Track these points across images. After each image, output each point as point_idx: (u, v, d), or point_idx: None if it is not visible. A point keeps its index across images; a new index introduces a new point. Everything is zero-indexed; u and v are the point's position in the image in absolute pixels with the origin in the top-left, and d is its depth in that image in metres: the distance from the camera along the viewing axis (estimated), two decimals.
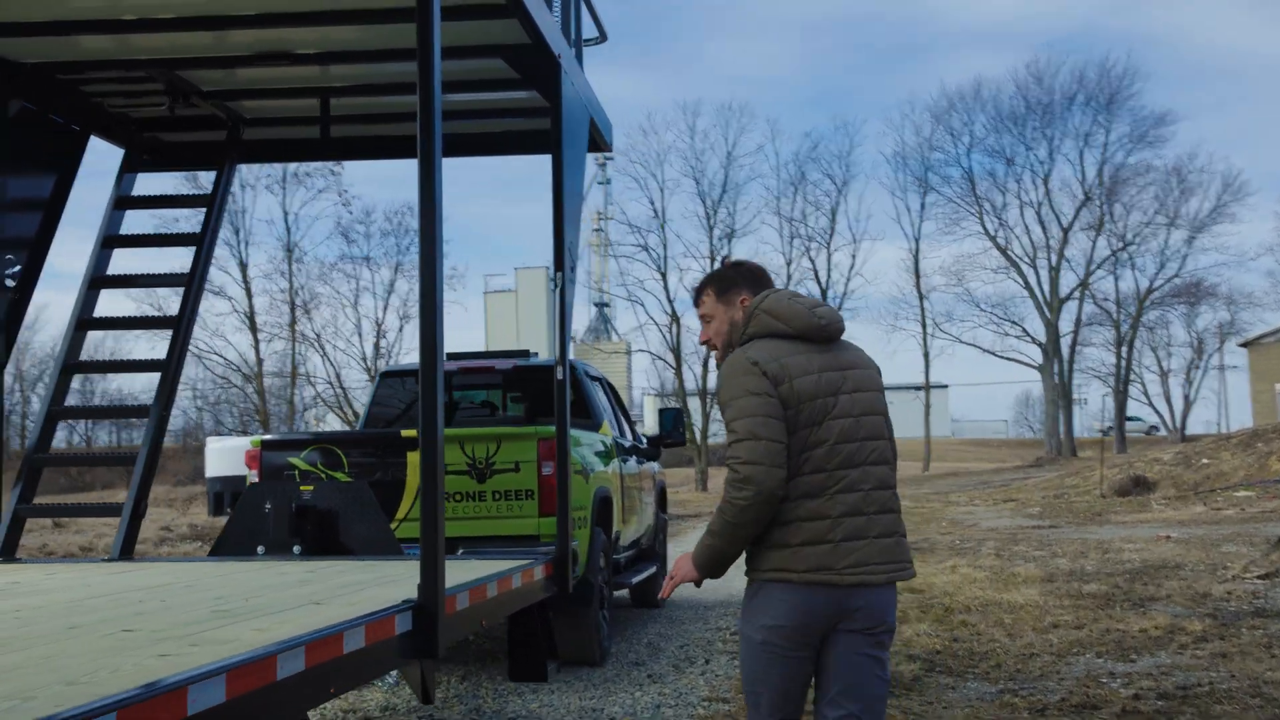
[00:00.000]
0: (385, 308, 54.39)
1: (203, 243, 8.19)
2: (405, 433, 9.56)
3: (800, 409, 4.05)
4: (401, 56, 7.44)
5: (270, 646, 3.69)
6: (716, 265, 4.77)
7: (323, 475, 9.50)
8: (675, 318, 55.19)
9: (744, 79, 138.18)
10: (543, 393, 11.84)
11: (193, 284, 8.05)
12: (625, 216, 60.51)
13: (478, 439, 9.43)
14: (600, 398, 12.07)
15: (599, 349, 76.83)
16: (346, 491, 7.69)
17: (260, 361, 50.89)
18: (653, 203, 59.31)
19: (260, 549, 7.46)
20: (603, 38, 9.14)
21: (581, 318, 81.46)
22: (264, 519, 7.47)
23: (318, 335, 52.59)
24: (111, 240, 8.34)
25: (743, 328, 4.24)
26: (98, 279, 8.19)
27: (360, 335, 53.97)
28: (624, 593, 14.23)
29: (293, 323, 50.43)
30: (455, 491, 9.36)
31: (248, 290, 50.01)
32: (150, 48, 7.44)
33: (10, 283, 7.53)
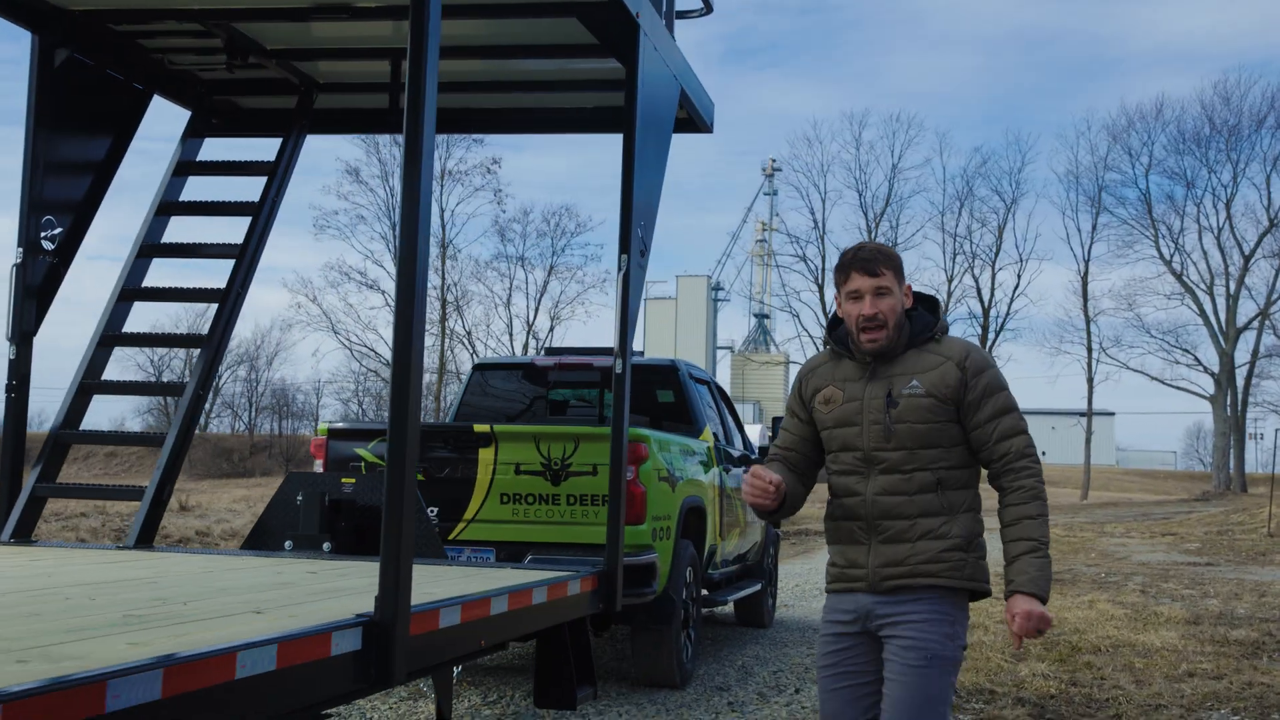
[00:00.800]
0: (537, 308, 54.31)
1: (259, 214, 7.63)
2: (477, 427, 8.93)
3: None
4: (471, 12, 6.79)
5: (100, 670, 2.88)
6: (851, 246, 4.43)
7: None
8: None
9: (919, 94, 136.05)
10: (646, 392, 11.18)
11: (244, 258, 7.49)
12: (785, 226, 59.47)
13: (554, 438, 8.74)
14: (704, 401, 11.29)
15: (755, 359, 75.89)
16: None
17: None
18: (813, 213, 58.38)
19: (288, 544, 6.87)
20: (707, 9, 8.39)
21: (741, 328, 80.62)
22: (295, 512, 6.88)
23: (468, 333, 52.68)
24: (167, 207, 7.83)
25: (942, 316, 4.32)
26: (148, 247, 7.69)
27: (511, 335, 53.96)
28: (729, 610, 13.53)
29: (443, 319, 50.50)
30: (528, 493, 8.69)
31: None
32: None
33: (49, 245, 7.05)
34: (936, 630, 4.11)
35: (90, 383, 7.23)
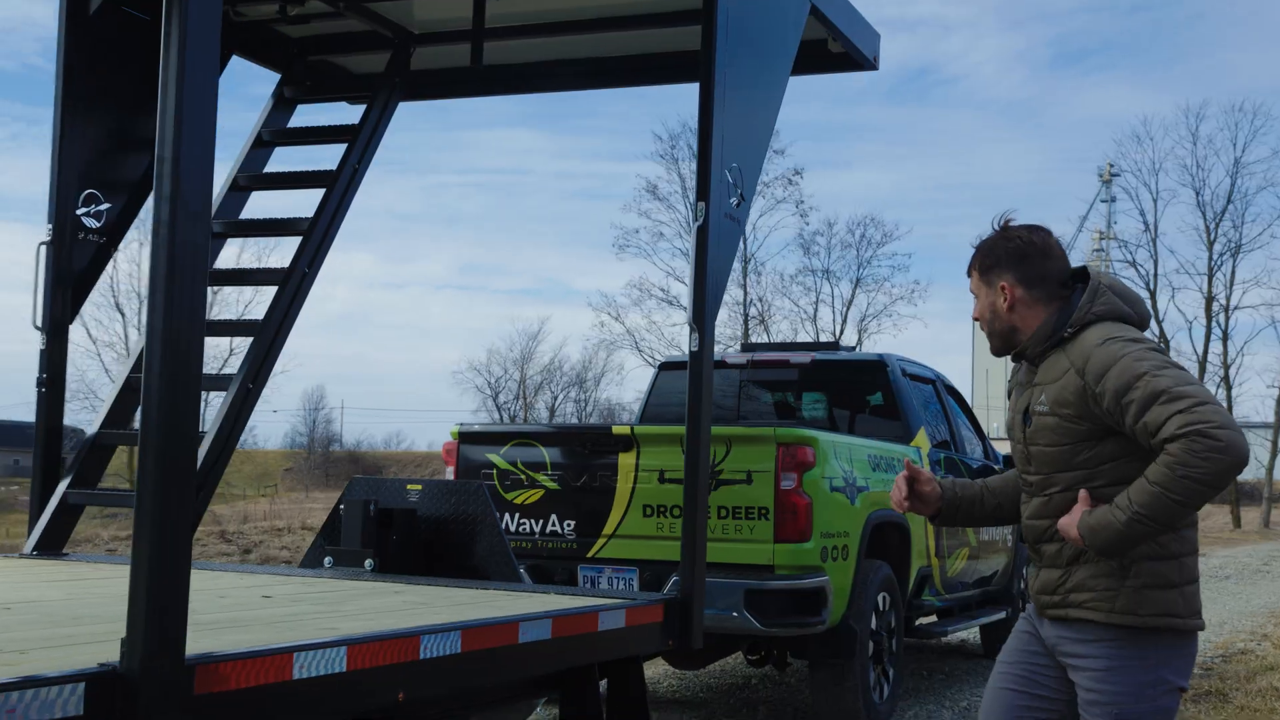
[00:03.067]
0: (844, 322, 52.71)
1: (334, 186, 6.65)
2: (616, 429, 7.76)
3: None
4: None
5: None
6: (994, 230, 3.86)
7: (523, 476, 7.84)
8: (1164, 340, 50.29)
9: (1262, 88, 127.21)
10: (852, 392, 9.78)
11: (313, 234, 6.51)
12: (1110, 230, 56.01)
13: None
14: (917, 401, 9.74)
15: None
16: (456, 495, 5.93)
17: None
18: (1143, 215, 54.62)
19: (327, 560, 5.82)
20: None
21: None
22: (335, 523, 5.84)
23: None
24: (241, 182, 6.96)
25: (1089, 305, 3.59)
26: (214, 227, 6.82)
27: None
28: (976, 637, 11.91)
29: (745, 334, 49.52)
30: (673, 505, 7.41)
31: None
32: None
33: (93, 223, 6.25)
34: (1123, 682, 3.50)
35: (137, 376, 6.38)
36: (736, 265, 49.81)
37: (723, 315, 49.67)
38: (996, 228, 3.78)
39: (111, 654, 2.84)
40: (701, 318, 5.26)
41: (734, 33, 5.43)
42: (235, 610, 4.12)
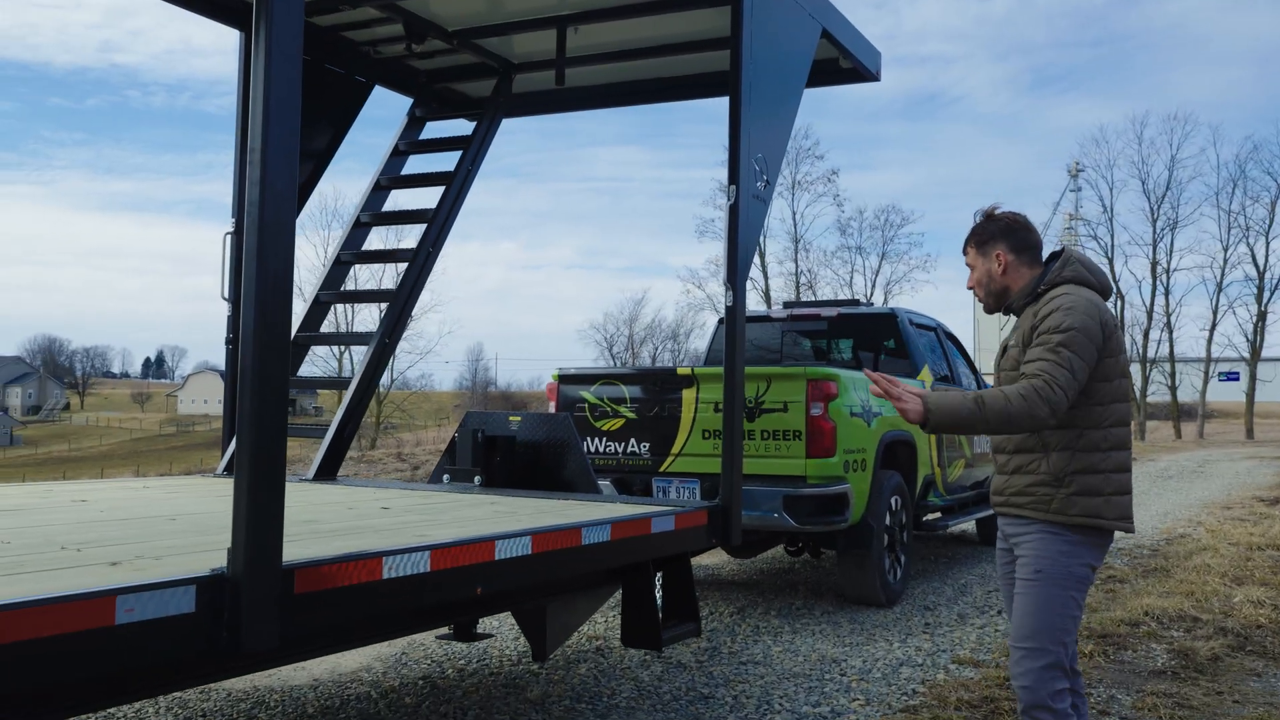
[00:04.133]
0: (873, 287, 51.74)
1: (452, 182, 6.33)
2: (680, 370, 7.39)
3: (1117, 359, 3.39)
4: None
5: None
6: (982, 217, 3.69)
7: (608, 409, 7.52)
8: (1120, 296, 48.67)
9: (1197, 102, 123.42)
10: (871, 338, 9.32)
11: (435, 221, 6.21)
12: (1078, 212, 54.31)
13: (749, 378, 7.06)
14: (923, 344, 9.27)
15: None
16: (548, 424, 5.62)
17: None
18: (1103, 200, 53.07)
19: (445, 477, 5.54)
20: None
21: None
22: (454, 448, 5.56)
23: None
24: (382, 183, 6.67)
25: (1059, 271, 3.48)
26: (361, 218, 6.55)
27: None
28: (973, 529, 11.42)
29: (797, 298, 48.80)
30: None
31: (764, 272, 48.87)
32: None
33: None
34: (1045, 548, 3.38)
35: (302, 335, 6.15)
36: (790, 244, 49.10)
37: (779, 283, 48.95)
38: (980, 218, 3.66)
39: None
40: (734, 278, 4.87)
41: (756, 54, 5.00)
42: (357, 520, 3.85)
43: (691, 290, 53.73)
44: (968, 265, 3.67)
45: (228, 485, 5.38)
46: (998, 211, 3.64)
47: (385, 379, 45.67)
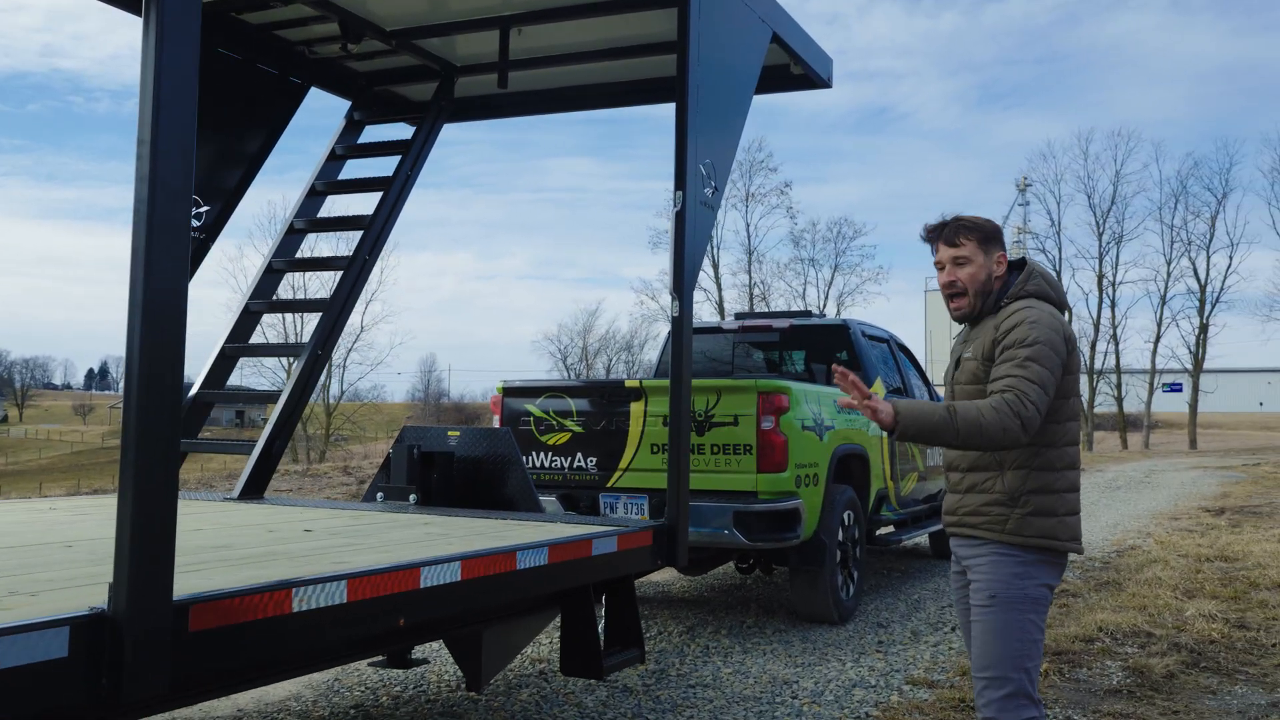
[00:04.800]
0: (826, 298, 51.89)
1: (390, 188, 6.09)
2: (629, 382, 7.18)
3: (1075, 376, 3.30)
4: None
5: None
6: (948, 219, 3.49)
7: (554, 423, 7.28)
8: (1068, 309, 49.12)
9: (1138, 119, 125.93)
10: (823, 349, 9.15)
11: (372, 228, 5.96)
12: (1025, 225, 54.85)
13: (698, 390, 6.87)
14: (875, 356, 9.12)
15: None
16: (489, 439, 5.38)
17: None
18: (1050, 214, 53.73)
19: (379, 495, 5.29)
20: None
21: None
22: (389, 464, 5.30)
23: None
24: (318, 188, 6.40)
25: (1023, 284, 3.36)
26: (296, 224, 6.28)
27: None
28: (926, 542, 11.29)
29: (751, 310, 48.79)
30: None
31: (718, 284, 48.86)
32: None
33: (196, 223, 5.72)
34: (999, 572, 3.24)
35: (229, 347, 5.86)
36: (744, 255, 49.09)
37: (732, 295, 48.89)
38: (949, 219, 3.49)
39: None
40: (681, 287, 4.67)
41: (704, 57, 4.81)
42: (274, 544, 3.59)
43: (645, 301, 53.55)
44: (959, 259, 3.38)
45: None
46: (973, 216, 3.50)
47: (335, 390, 44.91)
